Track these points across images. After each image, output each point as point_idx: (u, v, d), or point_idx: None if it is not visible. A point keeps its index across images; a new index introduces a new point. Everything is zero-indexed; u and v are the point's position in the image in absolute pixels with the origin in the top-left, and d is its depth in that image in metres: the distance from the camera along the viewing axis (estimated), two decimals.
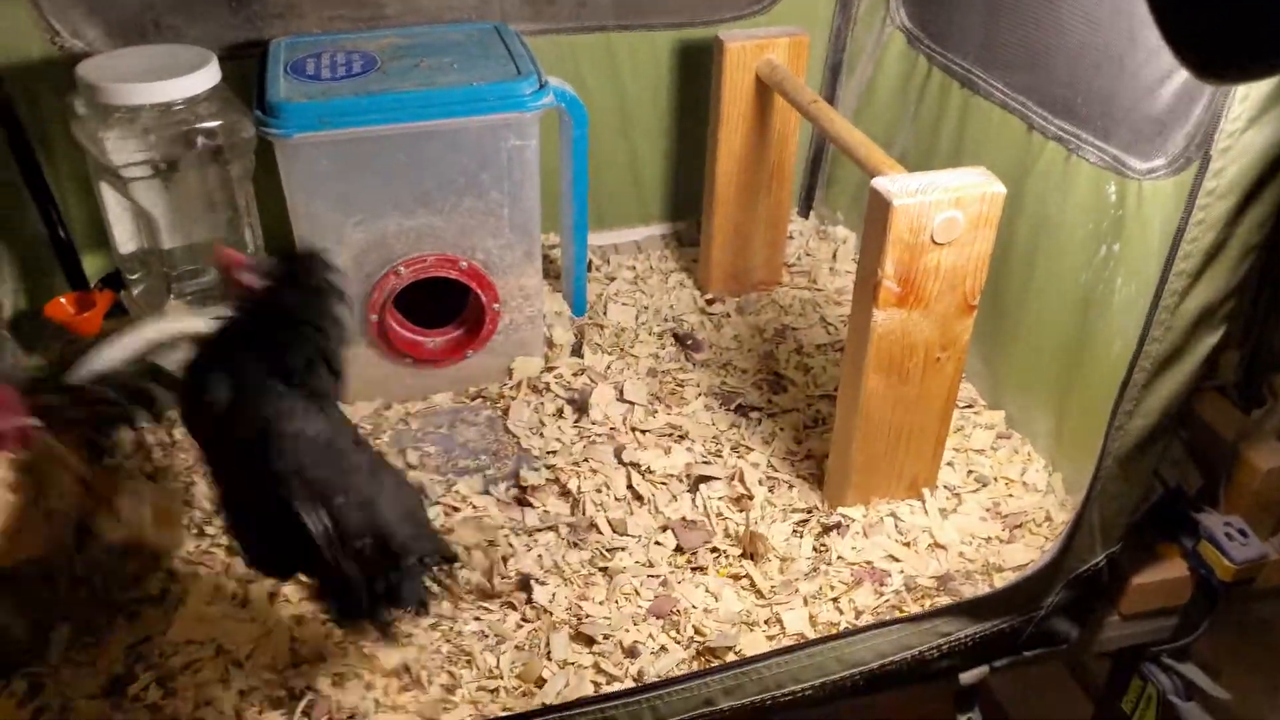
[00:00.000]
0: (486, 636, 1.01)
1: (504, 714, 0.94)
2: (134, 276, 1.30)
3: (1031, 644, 1.02)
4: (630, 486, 1.17)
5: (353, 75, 1.18)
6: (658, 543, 1.11)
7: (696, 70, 1.48)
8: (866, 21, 1.50)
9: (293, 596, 1.03)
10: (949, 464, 1.21)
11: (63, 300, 1.29)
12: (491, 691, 0.96)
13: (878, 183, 0.95)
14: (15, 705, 0.92)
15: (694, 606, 1.04)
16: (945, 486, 1.18)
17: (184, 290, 1.28)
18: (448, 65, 1.21)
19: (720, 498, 1.16)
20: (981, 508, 1.16)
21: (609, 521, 1.13)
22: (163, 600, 1.03)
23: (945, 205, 0.94)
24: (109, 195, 1.22)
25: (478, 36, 1.28)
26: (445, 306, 1.31)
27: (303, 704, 0.94)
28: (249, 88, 1.19)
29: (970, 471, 1.21)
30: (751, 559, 1.09)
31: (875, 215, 0.95)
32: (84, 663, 0.97)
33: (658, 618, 1.03)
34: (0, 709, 0.91)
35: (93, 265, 1.43)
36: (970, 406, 1.31)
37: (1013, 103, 1.21)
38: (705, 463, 1.21)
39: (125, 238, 1.26)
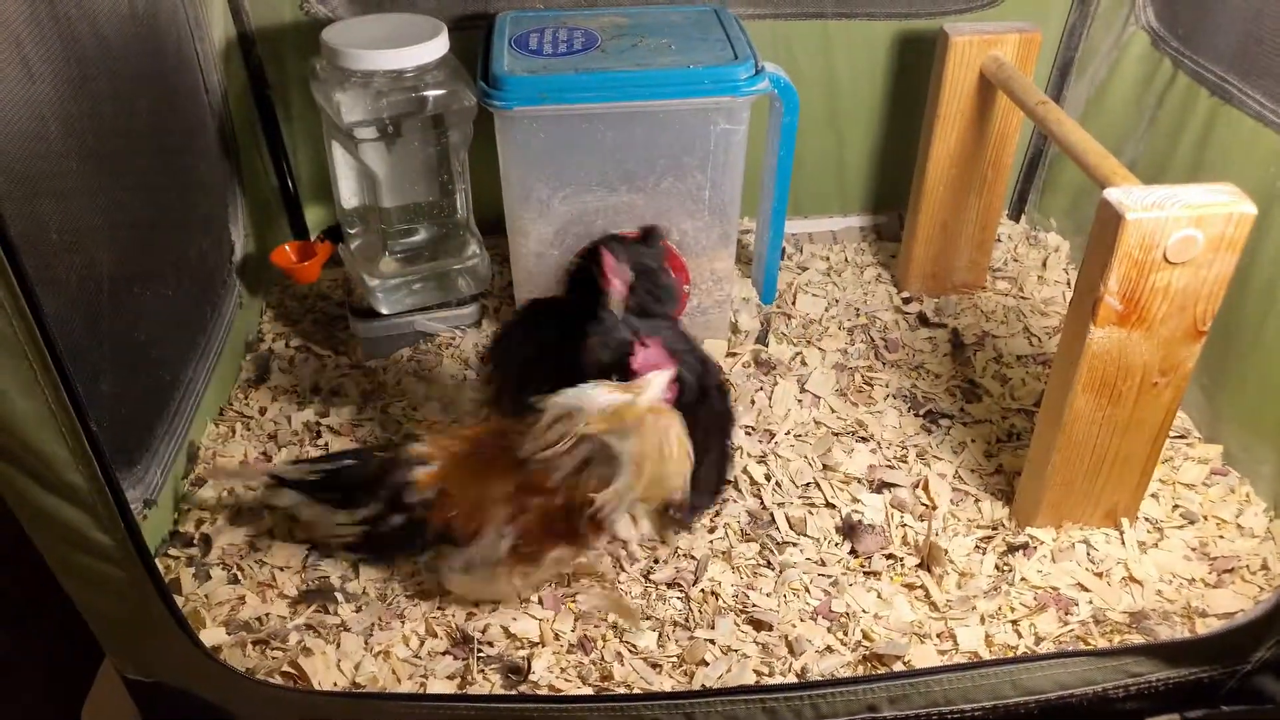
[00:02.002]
0: (651, 616, 1.03)
1: (663, 691, 0.95)
2: (353, 231, 1.37)
3: (1232, 699, 0.95)
4: (808, 482, 1.16)
5: (573, 52, 1.20)
6: (834, 543, 1.10)
7: (914, 62, 1.43)
8: (1106, 19, 1.41)
9: None
10: (1153, 496, 1.13)
11: (286, 248, 1.38)
12: (654, 666, 0.98)
13: (1110, 194, 0.90)
14: None
15: (864, 611, 1.03)
16: (1146, 519, 1.11)
17: (395, 248, 1.35)
18: (665, 46, 1.22)
19: (902, 505, 1.13)
20: (1186, 546, 1.08)
21: (786, 517, 1.12)
22: None
23: (1183, 223, 0.87)
24: (338, 153, 1.30)
25: (696, 18, 1.29)
26: None
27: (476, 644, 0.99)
28: (473, 58, 1.23)
29: (1176, 506, 1.13)
30: (928, 570, 1.06)
31: (1103, 227, 0.90)
32: None
33: (826, 617, 1.02)
34: None
35: (313, 217, 1.53)
36: (1183, 438, 1.22)
37: (1270, 115, 1.12)
38: (889, 467, 1.18)
39: (349, 194, 1.34)
